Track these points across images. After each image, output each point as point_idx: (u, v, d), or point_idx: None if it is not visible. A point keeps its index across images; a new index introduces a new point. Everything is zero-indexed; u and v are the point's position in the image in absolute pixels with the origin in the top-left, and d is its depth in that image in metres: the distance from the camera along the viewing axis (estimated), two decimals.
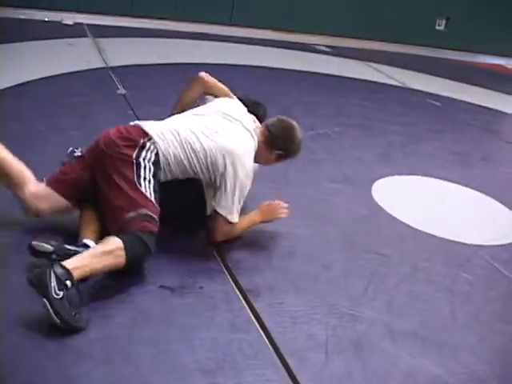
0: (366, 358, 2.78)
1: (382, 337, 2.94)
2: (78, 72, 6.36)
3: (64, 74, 6.19)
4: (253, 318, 2.90)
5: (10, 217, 3.35)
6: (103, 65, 6.82)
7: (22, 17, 8.63)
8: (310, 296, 3.16)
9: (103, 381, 2.40)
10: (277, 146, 3.52)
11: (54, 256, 2.90)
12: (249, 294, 3.07)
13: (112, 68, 6.67)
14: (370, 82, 8.34)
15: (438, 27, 11.70)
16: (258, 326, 2.85)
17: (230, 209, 3.34)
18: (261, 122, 3.69)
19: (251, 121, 3.60)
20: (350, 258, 3.63)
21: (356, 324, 3.00)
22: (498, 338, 3.11)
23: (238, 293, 3.08)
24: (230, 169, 3.29)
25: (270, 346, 2.73)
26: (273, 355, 2.68)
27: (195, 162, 3.30)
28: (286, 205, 3.61)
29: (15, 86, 5.56)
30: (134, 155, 3.19)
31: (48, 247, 2.94)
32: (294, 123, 3.58)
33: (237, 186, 3.32)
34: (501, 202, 4.81)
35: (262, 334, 2.80)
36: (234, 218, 3.37)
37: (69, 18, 8.84)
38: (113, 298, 2.87)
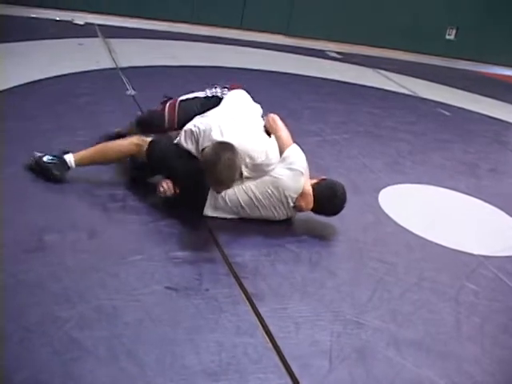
0: (369, 366, 2.77)
1: (387, 345, 2.94)
2: (87, 72, 6.36)
3: (73, 73, 6.19)
4: (258, 322, 2.90)
5: None
6: (113, 65, 6.82)
7: (33, 15, 8.63)
8: (315, 302, 3.16)
9: (107, 379, 2.40)
10: None
11: None
12: (254, 298, 3.07)
13: (122, 69, 6.67)
14: (380, 89, 8.32)
15: (448, 36, 11.67)
16: (262, 330, 2.85)
17: None
18: None
19: None
20: (356, 265, 3.63)
21: (360, 332, 3.00)
22: (502, 350, 3.10)
23: (244, 296, 3.08)
24: None
25: (274, 350, 2.73)
26: (277, 360, 2.68)
27: None
28: None
29: (24, 84, 5.56)
30: None
31: None
32: None
33: None
34: (508, 213, 4.80)
35: (267, 338, 2.80)
36: None
37: (80, 18, 8.83)
38: (119, 298, 2.87)
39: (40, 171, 3.80)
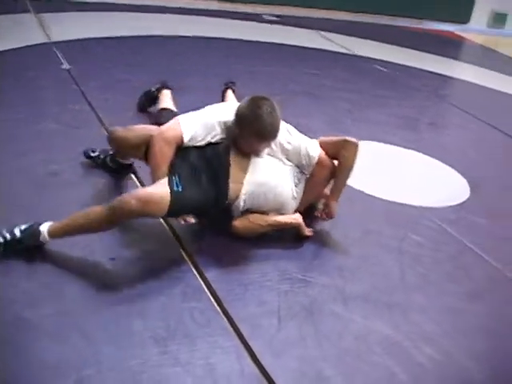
0: (318, 323, 2.80)
1: (334, 301, 2.97)
2: (20, 48, 6.19)
3: (5, 50, 6.02)
4: (204, 286, 2.90)
5: None
6: (46, 40, 6.67)
7: None
8: (261, 263, 3.17)
9: (57, 356, 2.38)
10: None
11: None
12: (199, 262, 3.07)
13: (55, 43, 6.52)
14: (318, 50, 8.30)
15: None
16: (209, 294, 2.85)
17: None
18: None
19: None
20: None
21: (307, 289, 3.03)
22: (447, 298, 3.16)
23: (189, 262, 3.07)
24: None
25: (221, 313, 2.74)
26: (225, 323, 2.69)
27: None
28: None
29: None
30: None
31: None
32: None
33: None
34: (448, 164, 4.86)
35: (214, 302, 2.80)
36: None
37: None
38: (63, 274, 2.84)
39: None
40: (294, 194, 3.43)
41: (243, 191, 3.27)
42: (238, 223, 3.30)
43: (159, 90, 4.67)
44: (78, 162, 3.86)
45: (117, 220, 2.92)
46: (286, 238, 3.45)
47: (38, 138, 4.18)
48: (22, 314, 2.55)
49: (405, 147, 5.10)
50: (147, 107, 4.73)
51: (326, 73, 7.16)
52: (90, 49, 6.63)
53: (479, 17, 12.11)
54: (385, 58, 8.22)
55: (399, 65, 8.09)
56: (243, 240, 3.32)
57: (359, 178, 4.28)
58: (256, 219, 3.33)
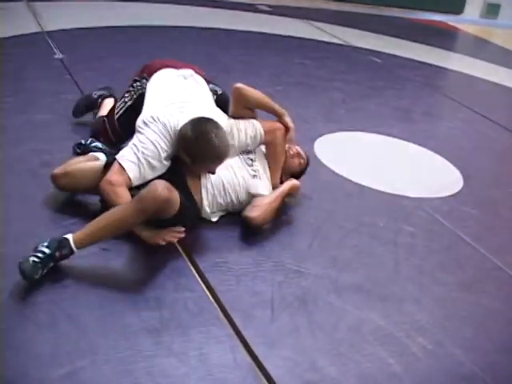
0: (311, 313, 2.80)
1: (328, 291, 2.97)
2: (11, 37, 6.16)
3: None
4: (197, 277, 2.90)
5: None
6: (38, 29, 6.64)
7: None
8: (255, 254, 3.17)
9: (49, 345, 2.37)
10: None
11: None
12: (193, 253, 3.07)
13: (48, 32, 6.50)
14: (312, 40, 8.31)
15: None
16: (202, 284, 2.85)
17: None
18: None
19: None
20: (295, 215, 3.64)
21: (301, 280, 3.02)
22: (440, 288, 3.17)
23: (182, 252, 3.07)
24: None
25: (215, 304, 2.74)
26: (218, 313, 2.69)
27: None
28: None
29: None
30: None
31: None
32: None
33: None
34: (441, 155, 4.87)
35: (207, 292, 2.80)
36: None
37: None
38: (55, 265, 2.82)
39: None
40: (251, 172, 3.47)
41: (204, 197, 3.31)
42: (253, 214, 3.33)
43: (102, 98, 4.34)
44: (71, 152, 3.83)
45: (147, 209, 2.82)
46: (279, 228, 3.45)
47: (30, 127, 4.17)
48: (13, 305, 2.55)
49: (398, 138, 5.11)
50: (84, 112, 4.39)
51: (319, 63, 7.15)
52: (83, 38, 6.62)
53: (472, 7, 12.15)
54: (378, 49, 8.23)
55: (392, 55, 8.09)
56: (237, 231, 3.32)
57: (353, 169, 4.31)
58: (259, 202, 3.38)
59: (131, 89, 3.79)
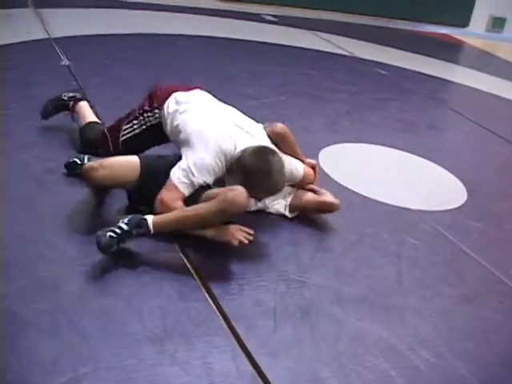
0: (314, 324, 2.80)
1: (330, 302, 2.97)
2: (18, 43, 6.18)
3: (2, 45, 6.01)
4: (201, 286, 2.90)
5: None
6: (45, 36, 6.66)
7: None
8: (258, 263, 3.17)
9: (51, 352, 2.37)
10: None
11: None
12: (196, 262, 3.07)
13: (55, 39, 6.52)
14: (317, 51, 8.32)
15: None
16: (206, 293, 2.85)
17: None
18: None
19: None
20: (298, 225, 3.64)
21: (304, 290, 3.02)
22: (442, 300, 3.17)
23: (186, 261, 3.07)
24: None
25: (218, 313, 2.74)
26: (221, 322, 2.69)
27: None
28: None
29: None
30: None
31: None
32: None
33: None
34: (445, 168, 4.87)
35: (211, 301, 2.80)
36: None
37: None
38: (59, 269, 2.83)
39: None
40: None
41: None
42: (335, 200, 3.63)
43: (75, 102, 4.23)
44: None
45: (228, 212, 3.01)
46: (283, 238, 3.46)
47: (35, 134, 4.18)
48: (16, 310, 2.54)
49: (402, 150, 5.11)
50: (53, 114, 4.29)
51: (324, 74, 7.17)
52: (90, 45, 6.64)
53: (478, 21, 12.16)
54: (383, 61, 8.24)
55: (397, 67, 8.10)
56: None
57: (357, 181, 4.31)
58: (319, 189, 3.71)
59: (141, 118, 3.71)
